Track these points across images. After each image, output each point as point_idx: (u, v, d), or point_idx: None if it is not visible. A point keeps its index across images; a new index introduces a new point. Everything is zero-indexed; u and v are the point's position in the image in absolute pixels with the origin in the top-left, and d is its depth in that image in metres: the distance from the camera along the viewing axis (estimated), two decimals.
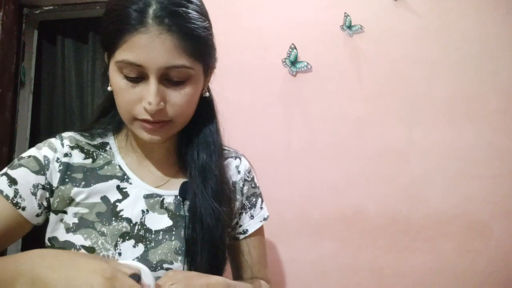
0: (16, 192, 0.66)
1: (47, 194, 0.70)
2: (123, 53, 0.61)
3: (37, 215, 0.69)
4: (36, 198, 0.68)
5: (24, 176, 0.68)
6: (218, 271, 0.74)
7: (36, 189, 0.68)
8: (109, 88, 0.70)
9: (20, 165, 0.69)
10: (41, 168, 0.69)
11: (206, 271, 0.69)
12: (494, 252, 1.31)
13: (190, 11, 0.63)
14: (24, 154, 0.71)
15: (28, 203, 0.67)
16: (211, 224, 0.72)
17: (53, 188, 0.70)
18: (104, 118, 0.79)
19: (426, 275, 1.34)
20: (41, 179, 0.69)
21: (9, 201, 0.65)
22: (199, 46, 0.64)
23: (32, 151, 0.71)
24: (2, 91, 1.72)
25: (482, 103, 1.36)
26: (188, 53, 0.63)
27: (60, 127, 2.10)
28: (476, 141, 1.35)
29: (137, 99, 0.64)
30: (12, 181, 0.67)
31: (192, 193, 0.73)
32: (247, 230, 0.84)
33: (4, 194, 0.66)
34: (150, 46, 0.60)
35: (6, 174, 0.68)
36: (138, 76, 0.63)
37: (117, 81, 0.64)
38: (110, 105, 0.77)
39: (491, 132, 1.34)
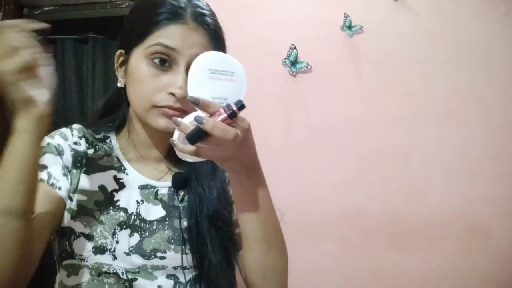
0: (49, 175, 0.69)
1: (68, 176, 0.73)
2: (159, 38, 0.67)
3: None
4: (67, 178, 0.71)
5: (52, 161, 0.71)
6: (227, 257, 0.76)
7: (64, 170, 0.72)
8: (119, 84, 0.73)
9: (45, 152, 0.71)
10: (59, 153, 0.73)
11: (214, 257, 0.73)
12: (494, 252, 1.31)
13: (216, 19, 0.73)
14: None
15: (62, 183, 0.70)
16: (209, 212, 0.75)
17: (69, 170, 0.73)
18: (108, 117, 0.82)
19: (426, 275, 1.34)
20: (62, 162, 0.72)
21: (45, 183, 0.68)
22: (222, 47, 0.73)
23: (47, 139, 0.74)
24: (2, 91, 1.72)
25: (482, 103, 1.36)
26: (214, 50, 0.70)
27: (60, 127, 2.09)
28: (475, 141, 1.35)
29: (161, 87, 0.67)
30: (43, 167, 0.69)
31: (189, 185, 0.77)
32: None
33: (39, 178, 0.67)
34: (187, 35, 0.67)
35: None
36: (166, 62, 0.67)
37: (142, 69, 0.68)
38: (114, 102, 0.80)
39: (491, 132, 1.35)
